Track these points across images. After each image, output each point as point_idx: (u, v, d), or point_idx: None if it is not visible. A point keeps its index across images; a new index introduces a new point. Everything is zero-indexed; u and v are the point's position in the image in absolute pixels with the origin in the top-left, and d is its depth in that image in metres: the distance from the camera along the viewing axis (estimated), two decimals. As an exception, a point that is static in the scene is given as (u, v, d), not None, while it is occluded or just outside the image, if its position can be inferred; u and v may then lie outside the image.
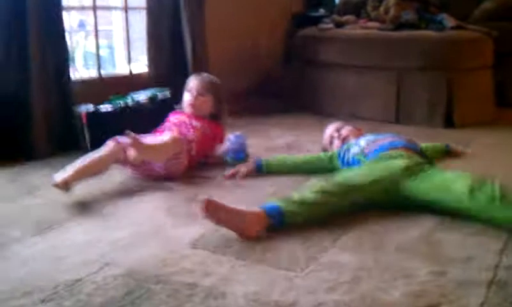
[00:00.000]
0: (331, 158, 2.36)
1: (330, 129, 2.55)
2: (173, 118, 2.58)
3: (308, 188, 1.83)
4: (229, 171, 2.34)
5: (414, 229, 1.74)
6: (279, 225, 1.71)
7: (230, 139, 2.55)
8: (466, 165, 2.41)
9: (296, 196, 1.78)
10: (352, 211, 1.85)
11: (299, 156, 2.51)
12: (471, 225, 1.75)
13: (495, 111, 3.63)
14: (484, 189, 1.74)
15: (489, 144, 2.87)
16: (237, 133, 2.56)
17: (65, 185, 1.99)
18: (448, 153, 2.63)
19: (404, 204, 1.90)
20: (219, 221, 1.66)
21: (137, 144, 2.10)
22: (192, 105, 2.57)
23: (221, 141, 2.60)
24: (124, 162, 2.25)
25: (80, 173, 2.07)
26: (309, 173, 2.33)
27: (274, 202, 1.76)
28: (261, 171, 2.35)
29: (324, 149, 2.54)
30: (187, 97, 2.61)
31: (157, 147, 2.23)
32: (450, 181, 1.85)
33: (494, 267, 1.48)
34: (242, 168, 2.34)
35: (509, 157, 2.58)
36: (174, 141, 2.29)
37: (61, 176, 2.01)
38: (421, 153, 2.17)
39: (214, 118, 2.61)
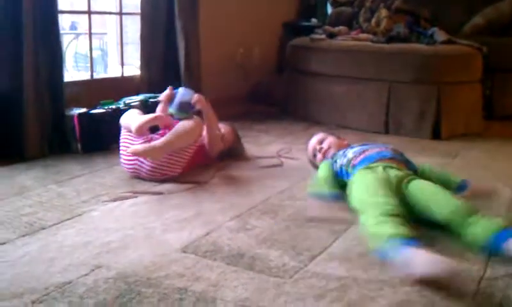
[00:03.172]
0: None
1: (313, 142, 2.54)
2: None
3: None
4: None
5: (401, 240, 1.76)
6: None
7: (179, 92, 2.58)
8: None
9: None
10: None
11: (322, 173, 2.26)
12: (457, 236, 1.78)
13: (483, 124, 3.69)
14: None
15: (476, 157, 2.92)
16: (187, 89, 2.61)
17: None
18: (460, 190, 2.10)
19: None
20: None
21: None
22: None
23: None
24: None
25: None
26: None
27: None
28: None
29: (311, 162, 2.55)
30: None
31: (180, 135, 2.35)
32: (444, 195, 1.86)
33: (478, 278, 1.51)
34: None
35: (494, 169, 2.62)
36: (198, 125, 2.43)
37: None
38: (408, 163, 2.19)
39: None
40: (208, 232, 1.78)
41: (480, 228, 1.66)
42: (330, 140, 2.49)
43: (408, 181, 1.96)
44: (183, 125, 2.38)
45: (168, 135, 2.31)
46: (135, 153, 2.24)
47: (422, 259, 1.45)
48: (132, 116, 2.43)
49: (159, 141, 2.29)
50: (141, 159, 2.31)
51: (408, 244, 1.51)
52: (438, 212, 1.81)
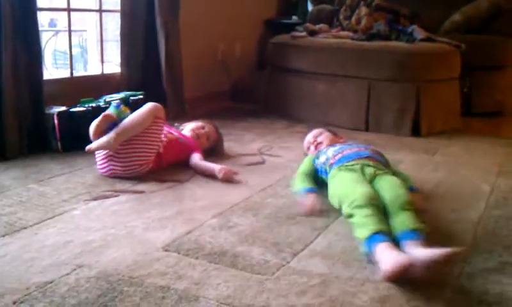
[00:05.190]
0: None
1: (309, 136, 2.60)
2: None
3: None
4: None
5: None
6: None
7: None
8: (431, 173, 2.48)
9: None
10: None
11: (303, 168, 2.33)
12: (435, 232, 1.81)
13: (461, 121, 3.74)
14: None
15: (455, 153, 2.96)
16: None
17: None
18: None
19: None
20: None
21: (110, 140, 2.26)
22: (193, 129, 2.72)
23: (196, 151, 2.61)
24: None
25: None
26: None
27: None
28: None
29: (305, 155, 2.58)
30: (192, 124, 2.77)
31: (131, 122, 2.35)
32: (394, 186, 1.89)
33: (457, 274, 1.54)
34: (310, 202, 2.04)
35: (473, 165, 2.66)
36: (150, 107, 2.42)
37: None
38: (386, 162, 2.22)
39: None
40: (190, 230, 1.78)
41: (398, 222, 1.69)
42: (325, 135, 2.53)
43: (379, 176, 1.99)
44: (138, 110, 2.41)
45: (121, 124, 2.34)
46: (90, 150, 2.29)
47: (386, 257, 1.49)
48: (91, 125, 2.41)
49: (112, 131, 2.31)
50: (112, 158, 2.32)
51: (376, 240, 1.56)
52: (384, 196, 1.82)
